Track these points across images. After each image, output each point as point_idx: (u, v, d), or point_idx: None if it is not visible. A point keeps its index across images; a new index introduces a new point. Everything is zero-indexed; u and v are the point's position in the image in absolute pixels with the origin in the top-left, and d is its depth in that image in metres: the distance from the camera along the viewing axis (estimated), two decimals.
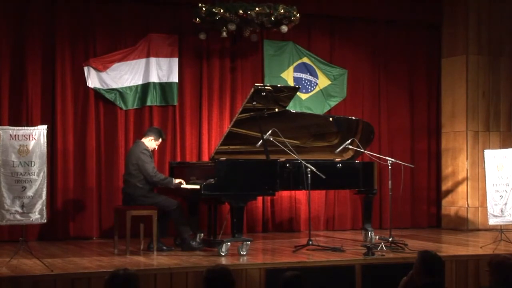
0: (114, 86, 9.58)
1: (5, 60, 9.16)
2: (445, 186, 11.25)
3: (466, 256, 7.90)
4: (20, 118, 8.93)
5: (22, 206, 7.05)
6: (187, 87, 10.02)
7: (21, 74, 9.21)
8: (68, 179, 9.33)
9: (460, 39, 11.05)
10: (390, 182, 8.45)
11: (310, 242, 8.07)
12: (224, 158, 8.07)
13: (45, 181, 7.19)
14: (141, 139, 8.32)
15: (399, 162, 8.70)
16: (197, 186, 7.70)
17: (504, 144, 10.78)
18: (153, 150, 8.32)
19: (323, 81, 10.74)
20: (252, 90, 8.05)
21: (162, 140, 8.40)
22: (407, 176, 10.63)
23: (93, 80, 9.47)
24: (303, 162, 8.00)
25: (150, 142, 8.20)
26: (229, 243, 7.67)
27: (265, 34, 10.23)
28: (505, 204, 8.75)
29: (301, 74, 10.62)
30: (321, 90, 10.70)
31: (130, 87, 9.67)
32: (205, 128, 10.06)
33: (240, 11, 9.32)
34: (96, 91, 9.50)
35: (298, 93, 9.93)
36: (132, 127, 9.69)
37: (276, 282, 4.44)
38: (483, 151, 9.14)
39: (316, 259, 7.44)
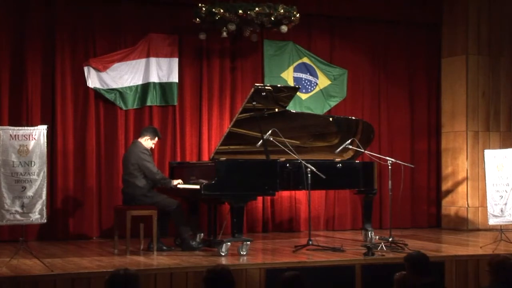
0: (114, 86, 9.58)
1: (5, 60, 9.16)
2: (445, 186, 11.25)
3: (466, 256, 7.89)
4: (20, 118, 8.93)
5: (22, 206, 7.05)
6: (187, 87, 10.02)
7: (21, 74, 9.21)
8: (68, 179, 9.33)
9: (460, 39, 11.05)
10: (390, 182, 8.45)
11: (310, 242, 8.07)
12: (224, 158, 8.08)
13: (45, 181, 7.18)
14: (137, 139, 8.32)
15: (399, 162, 8.70)
16: (197, 186, 7.70)
17: (504, 144, 10.78)
18: (151, 149, 8.30)
19: (323, 81, 10.74)
20: (252, 90, 8.06)
21: (158, 138, 8.38)
22: (407, 176, 10.63)
23: (93, 80, 9.47)
24: (303, 162, 7.99)
25: (147, 142, 8.18)
26: (229, 243, 7.66)
27: (265, 34, 10.23)
28: (505, 204, 8.75)
29: (301, 74, 10.62)
30: (321, 90, 10.71)
31: (130, 87, 9.67)
32: (205, 128, 10.06)
33: (240, 11, 9.31)
34: (96, 91, 9.51)
35: (298, 93, 9.93)
36: (132, 127, 9.69)
37: (276, 282, 4.44)
38: (483, 151, 9.15)
39: (316, 259, 7.44)
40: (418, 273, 4.95)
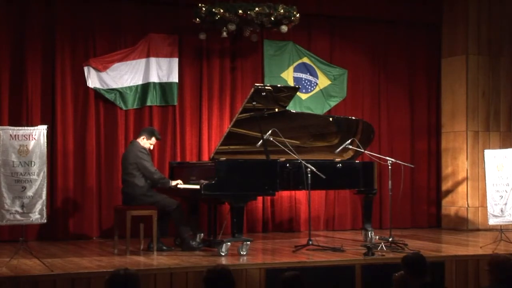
0: (114, 86, 9.59)
1: (5, 60, 9.16)
2: (445, 186, 11.25)
3: (466, 256, 7.90)
4: (20, 118, 8.93)
5: (22, 206, 7.05)
6: (187, 87, 10.02)
7: (21, 74, 9.21)
8: (68, 179, 9.33)
9: (460, 39, 11.05)
10: (390, 182, 8.45)
11: (310, 242, 8.07)
12: (224, 158, 8.08)
13: (45, 181, 7.18)
14: (136, 139, 8.32)
15: (399, 162, 8.70)
16: (197, 186, 7.70)
17: (504, 144, 10.78)
18: (149, 150, 8.28)
19: (323, 81, 10.74)
20: (252, 90, 8.06)
21: (156, 139, 8.33)
22: (407, 176, 10.63)
23: (93, 80, 9.48)
24: (303, 162, 7.99)
25: (143, 141, 8.18)
26: (229, 243, 7.67)
27: (265, 34, 10.23)
28: (505, 204, 8.75)
29: (301, 74, 10.62)
30: (321, 90, 10.71)
31: (130, 87, 9.67)
32: (205, 128, 10.06)
33: (240, 11, 9.32)
34: (96, 91, 9.51)
35: (298, 93, 9.93)
36: (132, 127, 9.68)
37: (276, 282, 4.44)
38: (483, 151, 9.15)
39: (316, 259, 7.44)
40: (415, 274, 4.97)
